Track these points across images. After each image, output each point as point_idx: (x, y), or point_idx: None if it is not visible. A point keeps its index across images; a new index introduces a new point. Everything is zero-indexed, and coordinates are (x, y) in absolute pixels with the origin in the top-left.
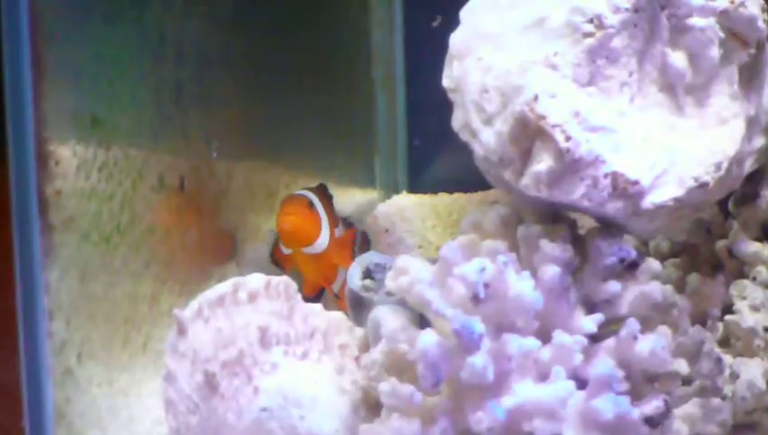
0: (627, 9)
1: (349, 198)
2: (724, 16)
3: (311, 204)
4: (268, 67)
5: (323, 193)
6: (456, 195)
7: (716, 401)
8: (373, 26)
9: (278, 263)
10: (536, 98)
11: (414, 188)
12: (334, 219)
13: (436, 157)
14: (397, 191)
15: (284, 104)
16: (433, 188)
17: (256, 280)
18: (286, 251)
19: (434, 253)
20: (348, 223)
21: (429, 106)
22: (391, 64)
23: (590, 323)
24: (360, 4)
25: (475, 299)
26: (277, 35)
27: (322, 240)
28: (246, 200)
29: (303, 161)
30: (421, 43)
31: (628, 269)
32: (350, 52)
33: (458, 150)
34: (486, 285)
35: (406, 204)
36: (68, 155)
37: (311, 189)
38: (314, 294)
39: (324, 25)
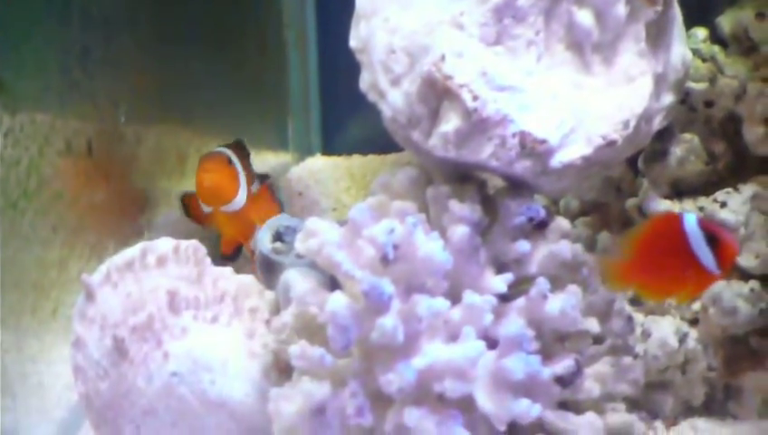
0: None
1: (262, 162)
2: None
3: (230, 161)
4: (177, 30)
5: (241, 149)
6: (369, 156)
7: (628, 359)
8: None
9: (197, 220)
10: (443, 58)
11: (328, 150)
12: (251, 176)
13: (349, 118)
14: (310, 154)
15: (195, 67)
16: (347, 150)
17: (165, 244)
18: (207, 209)
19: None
20: (262, 178)
21: (342, 67)
22: (303, 25)
23: (500, 282)
24: None
25: (385, 260)
26: None
27: (240, 198)
28: (156, 165)
29: (215, 125)
30: (333, 3)
31: (538, 228)
32: (261, 13)
33: (372, 112)
34: (395, 246)
35: (319, 166)
36: None
37: (228, 146)
38: (232, 251)
39: None
